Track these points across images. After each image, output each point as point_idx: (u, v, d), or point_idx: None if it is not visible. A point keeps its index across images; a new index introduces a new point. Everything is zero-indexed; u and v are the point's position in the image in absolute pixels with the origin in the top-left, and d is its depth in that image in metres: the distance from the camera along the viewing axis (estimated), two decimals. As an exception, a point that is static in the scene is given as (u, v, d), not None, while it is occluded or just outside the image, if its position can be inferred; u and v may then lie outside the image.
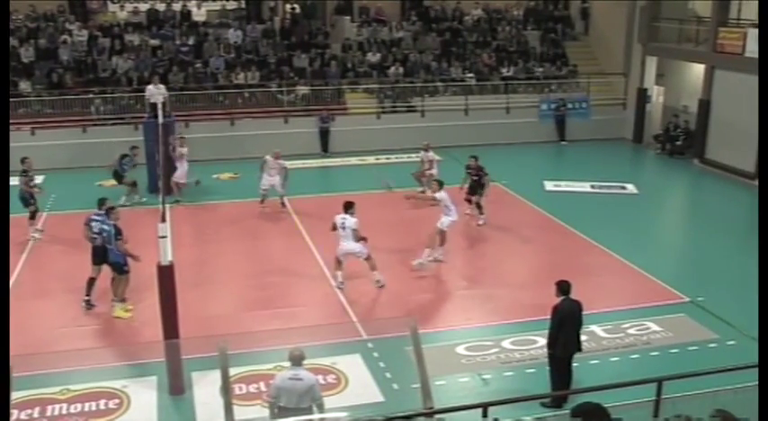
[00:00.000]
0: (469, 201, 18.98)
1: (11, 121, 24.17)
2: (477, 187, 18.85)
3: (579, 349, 10.74)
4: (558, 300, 10.57)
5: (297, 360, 8.82)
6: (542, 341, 11.94)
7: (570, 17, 32.96)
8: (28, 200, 17.87)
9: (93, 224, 14.02)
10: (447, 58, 29.58)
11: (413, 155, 23.55)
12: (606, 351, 12.35)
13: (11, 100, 25.17)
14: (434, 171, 20.74)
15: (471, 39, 30.82)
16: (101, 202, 14.40)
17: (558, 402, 10.26)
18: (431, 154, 21.26)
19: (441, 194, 15.94)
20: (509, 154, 25.84)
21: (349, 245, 14.65)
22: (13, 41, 27.19)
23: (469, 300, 14.71)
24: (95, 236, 13.98)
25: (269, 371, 10.91)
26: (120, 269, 13.84)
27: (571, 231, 18.35)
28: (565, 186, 22.41)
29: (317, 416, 8.86)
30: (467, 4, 32.22)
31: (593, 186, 22.36)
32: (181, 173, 20.80)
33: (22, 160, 17.94)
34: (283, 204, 20.01)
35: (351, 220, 14.58)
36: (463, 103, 27.99)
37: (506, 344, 12.54)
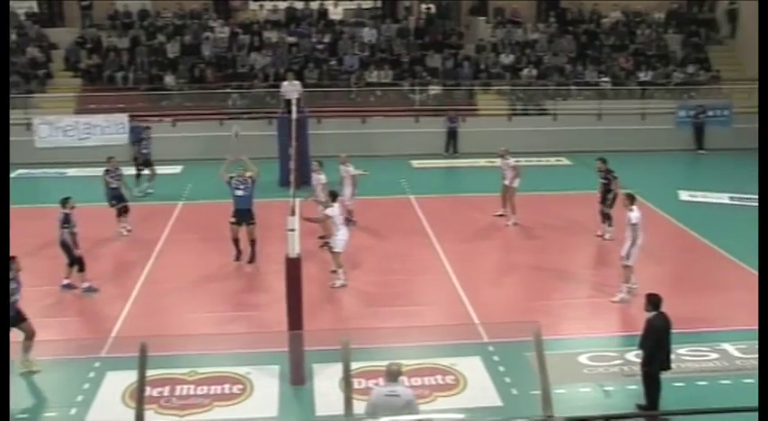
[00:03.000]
0: (603, 214, 17.57)
1: (155, 113, 25.51)
2: (605, 193, 17.42)
3: (669, 366, 10.35)
4: (648, 314, 10.20)
5: (393, 375, 8.54)
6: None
7: (716, 20, 31.58)
8: (121, 197, 17.82)
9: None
10: (582, 60, 28.99)
11: (542, 158, 23.17)
12: (740, 371, 11.76)
13: (155, 93, 26.57)
14: (516, 183, 18.57)
15: (608, 42, 30.05)
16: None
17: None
18: (511, 161, 18.78)
19: (332, 210, 14.76)
20: (643, 161, 24.97)
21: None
22: (160, 37, 28.58)
23: (594, 308, 14.36)
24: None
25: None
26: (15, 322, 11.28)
27: (706, 244, 17.59)
28: (701, 197, 21.50)
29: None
30: (605, 5, 31.34)
31: (731, 198, 21.32)
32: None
33: (108, 159, 17.94)
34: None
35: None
36: (597, 108, 27.36)
37: (631, 356, 12.11)
